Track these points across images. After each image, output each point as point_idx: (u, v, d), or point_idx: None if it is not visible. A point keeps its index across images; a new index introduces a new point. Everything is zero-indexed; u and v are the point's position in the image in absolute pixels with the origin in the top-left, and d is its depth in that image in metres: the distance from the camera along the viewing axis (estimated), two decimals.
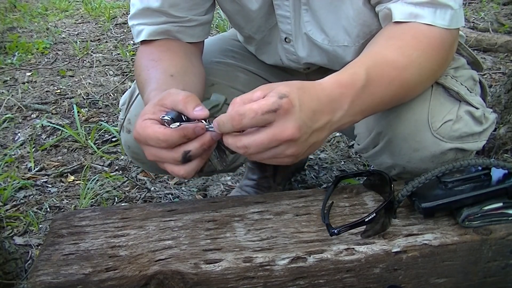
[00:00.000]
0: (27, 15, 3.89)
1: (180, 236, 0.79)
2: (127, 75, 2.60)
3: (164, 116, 0.72)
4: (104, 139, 1.95)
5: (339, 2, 0.93)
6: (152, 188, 1.61)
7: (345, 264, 0.75)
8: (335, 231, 0.75)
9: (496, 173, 0.82)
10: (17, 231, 1.42)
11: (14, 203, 1.56)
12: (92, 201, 1.53)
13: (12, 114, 2.19)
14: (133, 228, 0.82)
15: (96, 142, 1.92)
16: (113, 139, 1.93)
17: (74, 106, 2.18)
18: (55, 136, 2.00)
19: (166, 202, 0.91)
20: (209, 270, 0.73)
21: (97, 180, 1.63)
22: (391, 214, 0.79)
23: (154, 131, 0.72)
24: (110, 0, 4.15)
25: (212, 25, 1.15)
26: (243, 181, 1.53)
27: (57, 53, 3.02)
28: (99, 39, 3.24)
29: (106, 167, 1.76)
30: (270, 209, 0.85)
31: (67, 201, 1.56)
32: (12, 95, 2.39)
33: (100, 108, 2.25)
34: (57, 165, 1.79)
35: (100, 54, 2.94)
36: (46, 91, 2.46)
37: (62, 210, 1.51)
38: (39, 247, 1.32)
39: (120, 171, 1.73)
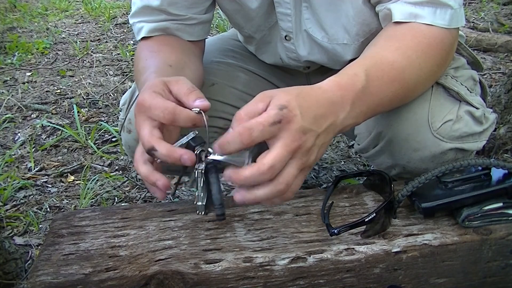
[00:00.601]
0: (27, 15, 3.89)
1: (180, 236, 0.79)
2: (127, 75, 2.60)
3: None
4: (104, 139, 1.95)
5: (339, 0, 0.93)
6: None
7: (345, 264, 0.75)
8: (335, 231, 0.75)
9: (496, 173, 0.82)
10: (17, 231, 1.42)
11: (14, 203, 1.56)
12: (92, 201, 1.53)
13: (12, 114, 2.19)
14: (133, 228, 0.82)
15: (96, 142, 1.92)
16: (113, 139, 1.93)
17: (74, 106, 2.18)
18: (55, 136, 2.00)
19: (166, 202, 0.91)
20: (209, 270, 0.73)
21: (97, 180, 1.63)
22: (391, 214, 0.79)
23: (165, 101, 0.70)
24: (110, 0, 4.15)
25: (212, 25, 1.15)
26: None
27: (57, 53, 3.02)
28: (99, 39, 3.25)
29: (106, 167, 1.76)
30: (270, 209, 0.85)
31: (67, 201, 1.56)
32: (12, 95, 2.39)
33: (100, 108, 2.25)
34: (57, 165, 1.79)
35: (100, 54, 2.94)
36: (46, 91, 2.46)
37: (62, 210, 1.51)
38: (39, 247, 1.32)
39: (120, 171, 1.73)
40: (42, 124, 2.08)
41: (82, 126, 2.01)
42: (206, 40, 1.11)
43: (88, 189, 1.56)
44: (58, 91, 2.46)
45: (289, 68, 1.18)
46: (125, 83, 2.48)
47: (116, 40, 3.18)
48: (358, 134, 1.02)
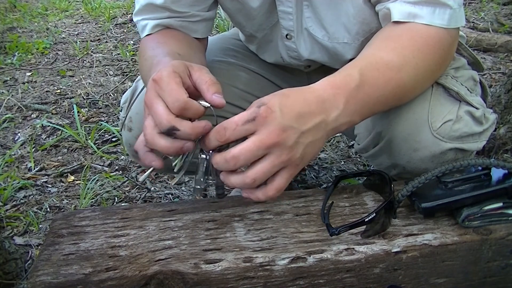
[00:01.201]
0: (27, 15, 3.89)
1: (180, 236, 0.79)
2: (127, 75, 2.60)
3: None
4: (104, 139, 1.95)
5: None
6: (152, 188, 1.61)
7: (345, 264, 0.75)
8: (335, 231, 0.75)
9: (496, 173, 0.82)
10: (17, 231, 1.42)
11: (14, 203, 1.56)
12: (92, 201, 1.53)
13: (12, 114, 2.20)
14: (133, 228, 0.82)
15: (96, 142, 1.92)
16: (113, 139, 1.93)
17: (74, 106, 2.18)
18: (55, 136, 2.00)
19: (166, 202, 0.91)
20: (209, 270, 0.73)
21: (97, 180, 1.63)
22: (391, 214, 0.79)
23: (179, 90, 0.69)
24: (110, 0, 4.15)
25: (213, 25, 1.15)
26: None
27: (57, 53, 3.02)
28: (99, 39, 3.25)
29: (106, 167, 1.76)
30: (270, 209, 0.85)
31: (67, 201, 1.56)
32: (12, 95, 2.39)
33: (100, 108, 2.25)
34: (57, 165, 1.79)
35: (100, 54, 2.94)
36: (46, 91, 2.46)
37: (62, 210, 1.51)
38: (39, 247, 1.32)
39: (120, 171, 1.73)
40: (42, 124, 2.08)
41: (82, 126, 2.01)
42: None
43: (88, 189, 1.56)
44: (58, 91, 2.46)
45: (290, 67, 1.18)
46: (125, 83, 2.48)
47: (116, 40, 3.18)
48: (358, 134, 1.03)
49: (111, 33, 3.33)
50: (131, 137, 1.04)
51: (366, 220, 0.75)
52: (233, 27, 1.25)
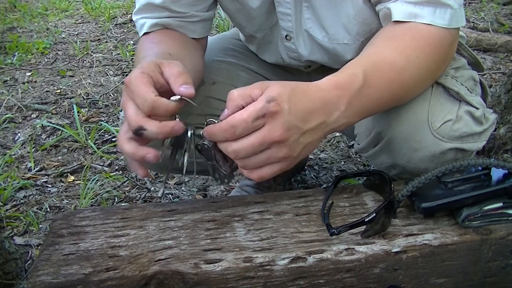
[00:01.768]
0: (27, 15, 3.89)
1: (180, 236, 0.79)
2: (127, 75, 2.59)
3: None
4: (104, 139, 1.95)
5: (339, 0, 0.94)
6: (152, 188, 1.61)
7: (345, 264, 0.75)
8: (335, 231, 0.75)
9: (496, 173, 0.82)
10: (17, 231, 1.42)
11: (14, 203, 1.56)
12: (92, 201, 1.53)
13: (12, 114, 2.20)
14: (133, 228, 0.82)
15: (96, 142, 1.92)
16: (113, 139, 1.93)
17: (74, 106, 2.18)
18: (55, 136, 2.00)
19: (166, 202, 0.91)
20: (209, 270, 0.73)
21: (97, 180, 1.63)
22: (391, 214, 0.79)
23: (147, 90, 0.69)
24: (110, 0, 4.15)
25: (211, 25, 1.15)
26: (243, 181, 1.53)
27: (57, 53, 3.02)
28: (99, 39, 3.25)
29: (106, 167, 1.76)
30: (270, 209, 0.85)
31: (67, 201, 1.56)
32: (12, 95, 2.39)
33: (100, 108, 2.25)
34: (57, 165, 1.79)
35: (100, 54, 2.95)
36: (46, 91, 2.46)
37: (62, 210, 1.51)
38: (39, 247, 1.32)
39: (120, 171, 1.73)
40: (42, 124, 2.08)
41: (82, 126, 2.01)
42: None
43: (88, 189, 1.56)
44: (58, 91, 2.46)
45: (290, 67, 1.18)
46: None
47: (116, 40, 3.18)
48: (358, 134, 1.02)
49: (111, 33, 3.33)
50: None
51: (366, 220, 0.75)
52: (233, 27, 1.25)
